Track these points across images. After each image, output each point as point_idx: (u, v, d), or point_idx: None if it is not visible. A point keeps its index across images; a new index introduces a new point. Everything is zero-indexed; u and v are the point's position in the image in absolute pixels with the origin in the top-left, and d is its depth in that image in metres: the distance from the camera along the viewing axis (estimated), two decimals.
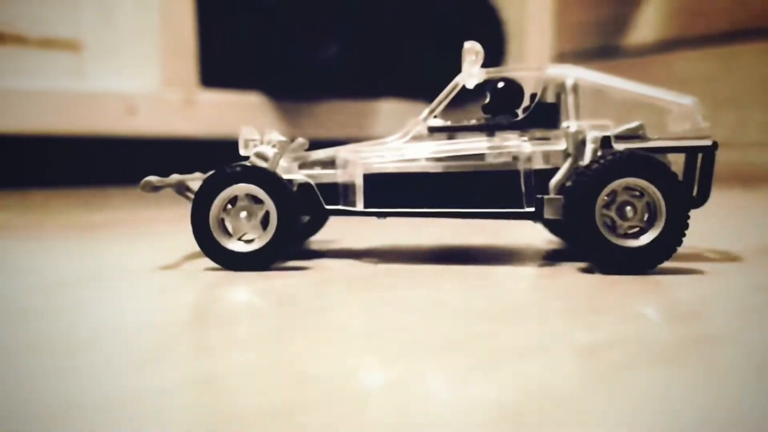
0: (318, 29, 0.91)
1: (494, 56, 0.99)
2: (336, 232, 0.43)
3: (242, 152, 0.33)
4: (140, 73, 0.86)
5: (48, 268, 0.33)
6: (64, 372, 0.18)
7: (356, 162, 0.33)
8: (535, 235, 0.43)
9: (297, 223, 0.31)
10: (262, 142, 0.33)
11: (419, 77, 0.97)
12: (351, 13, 0.94)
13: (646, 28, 1.04)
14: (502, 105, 0.33)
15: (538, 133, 0.32)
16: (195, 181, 0.34)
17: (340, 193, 0.33)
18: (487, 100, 0.33)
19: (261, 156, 0.32)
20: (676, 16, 1.02)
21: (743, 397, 0.16)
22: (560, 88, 0.32)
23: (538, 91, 0.33)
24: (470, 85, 0.33)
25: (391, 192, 0.32)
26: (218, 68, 0.90)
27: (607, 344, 0.20)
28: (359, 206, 0.32)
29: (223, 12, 0.90)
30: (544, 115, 0.32)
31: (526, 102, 0.33)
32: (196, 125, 0.87)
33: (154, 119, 0.85)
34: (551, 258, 0.36)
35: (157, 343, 0.21)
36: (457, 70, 0.33)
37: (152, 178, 0.32)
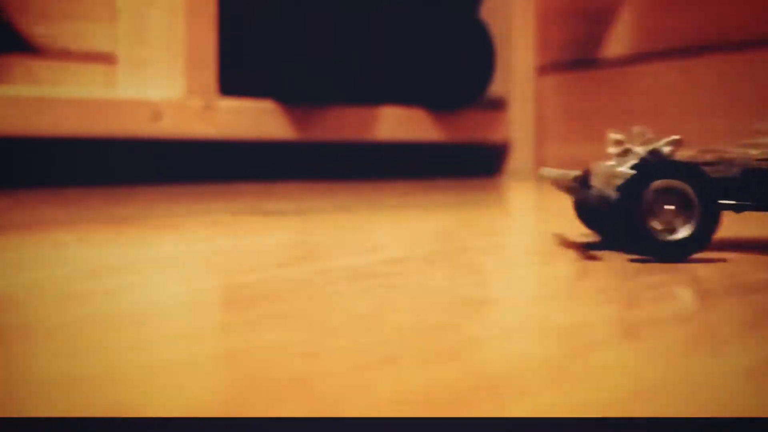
0: (325, 46, 0.91)
1: (483, 67, 0.99)
2: None
3: (611, 151, 0.32)
4: (166, 83, 0.86)
5: (86, 256, 0.33)
6: (109, 345, 0.18)
7: None
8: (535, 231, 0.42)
9: (719, 215, 0.30)
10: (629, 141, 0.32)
11: (416, 86, 0.97)
12: (355, 32, 0.94)
13: (618, 43, 1.04)
14: None
15: None
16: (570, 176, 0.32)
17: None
18: None
19: (656, 153, 0.31)
20: (644, 32, 1.02)
21: (691, 370, 0.16)
22: None
23: None
24: None
25: None
26: (235, 79, 0.90)
27: (583, 324, 0.20)
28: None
29: (241, 32, 0.90)
30: None
31: None
32: (214, 129, 0.87)
33: (177, 124, 0.85)
34: (547, 250, 0.35)
35: (190, 322, 0.21)
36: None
37: (549, 172, 0.31)
